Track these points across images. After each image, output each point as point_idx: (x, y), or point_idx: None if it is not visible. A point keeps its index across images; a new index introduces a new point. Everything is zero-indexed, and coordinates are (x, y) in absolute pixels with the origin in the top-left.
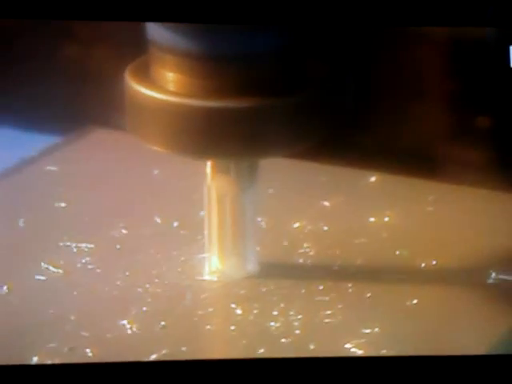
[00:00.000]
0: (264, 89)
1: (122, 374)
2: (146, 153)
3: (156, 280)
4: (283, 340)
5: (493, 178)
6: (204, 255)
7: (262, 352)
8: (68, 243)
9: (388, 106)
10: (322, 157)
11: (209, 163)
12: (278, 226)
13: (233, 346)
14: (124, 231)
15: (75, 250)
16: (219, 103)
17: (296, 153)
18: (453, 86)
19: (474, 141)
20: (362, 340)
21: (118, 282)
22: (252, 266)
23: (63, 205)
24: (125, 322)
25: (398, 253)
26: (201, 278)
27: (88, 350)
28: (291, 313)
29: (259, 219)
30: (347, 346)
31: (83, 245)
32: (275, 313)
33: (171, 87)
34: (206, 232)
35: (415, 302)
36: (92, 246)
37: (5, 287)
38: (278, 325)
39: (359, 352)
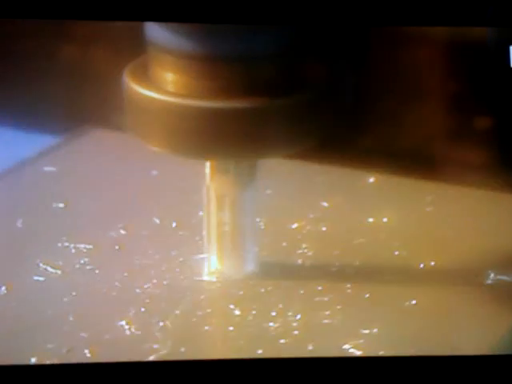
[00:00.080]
0: (263, 89)
1: (120, 374)
2: (145, 153)
3: (154, 280)
4: (282, 341)
5: (491, 178)
6: (202, 256)
7: (260, 353)
8: (66, 244)
9: (387, 106)
10: (320, 157)
11: (208, 163)
12: (276, 226)
13: (231, 347)
14: (123, 232)
15: (74, 250)
16: (218, 104)
17: (295, 153)
18: (453, 86)
19: (472, 141)
20: (361, 340)
21: (117, 283)
22: (251, 266)
23: (61, 205)
24: (123, 322)
25: (396, 253)
26: (199, 279)
27: (86, 351)
28: (290, 313)
29: (257, 220)
30: (346, 346)
31: (82, 245)
32: (274, 313)
33: (170, 88)
34: (205, 232)
35: (414, 302)
36: (90, 246)
37: (3, 288)
38: (276, 325)
39: (358, 352)
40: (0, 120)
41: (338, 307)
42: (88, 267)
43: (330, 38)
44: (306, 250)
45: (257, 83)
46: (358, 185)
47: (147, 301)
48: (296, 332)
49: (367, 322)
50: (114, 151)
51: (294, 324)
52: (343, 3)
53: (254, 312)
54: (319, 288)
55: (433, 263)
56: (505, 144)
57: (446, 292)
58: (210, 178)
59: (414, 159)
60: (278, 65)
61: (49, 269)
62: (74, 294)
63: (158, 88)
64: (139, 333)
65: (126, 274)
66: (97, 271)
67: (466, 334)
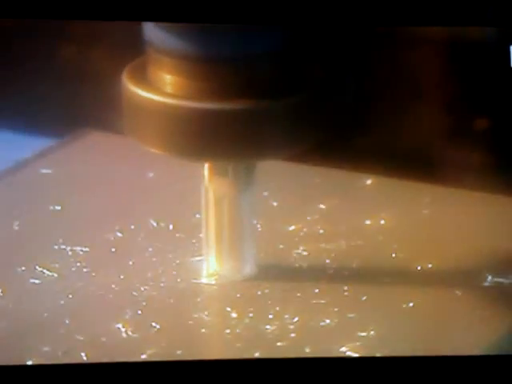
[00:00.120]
0: (261, 91)
1: (116, 375)
2: (142, 155)
3: (151, 283)
4: (279, 343)
5: (489, 180)
6: (199, 258)
7: (257, 355)
8: (63, 246)
9: (385, 107)
10: (317, 159)
11: (206, 165)
12: (273, 228)
13: (228, 350)
14: (119, 234)
15: (70, 253)
16: (217, 105)
17: (292, 155)
18: (452, 86)
19: (470, 143)
20: (358, 343)
21: (113, 286)
22: (250, 268)
23: (58, 208)
24: (120, 325)
25: (393, 255)
26: (196, 281)
27: (83, 354)
28: (286, 316)
29: (254, 222)
30: (343, 349)
31: (78, 248)
32: (271, 316)
33: (168, 89)
34: (203, 234)
35: (411, 304)
36: (87, 249)
37: None
38: (273, 328)
39: (355, 355)
40: None
41: (335, 310)
42: (84, 270)
43: (328, 39)
44: (303, 253)
45: (255, 84)
46: (356, 187)
47: (144, 303)
48: (293, 335)
49: (364, 325)
50: (110, 153)
51: (291, 327)
52: (342, 3)
53: (250, 315)
54: (316, 290)
55: (430, 265)
56: (503, 145)
57: (443, 294)
58: (208, 180)
59: (411, 161)
60: (276, 66)
61: (45, 271)
62: (70, 296)
63: (156, 89)
64: (136, 335)
65: (122, 277)
66: (93, 274)
67: (463, 336)
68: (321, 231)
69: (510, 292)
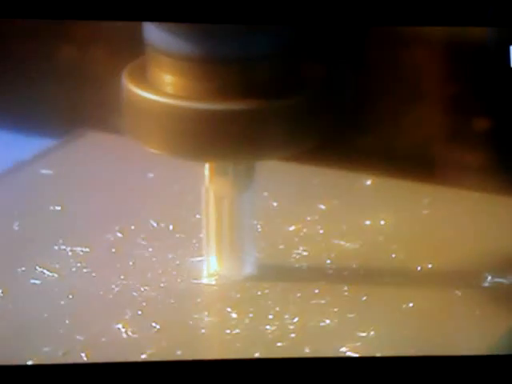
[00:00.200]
0: (261, 91)
1: (115, 375)
2: (141, 156)
3: (151, 283)
4: (279, 344)
5: (489, 180)
6: (199, 258)
7: (257, 356)
8: (63, 247)
9: (385, 108)
10: (317, 160)
11: (207, 165)
12: (273, 229)
13: (228, 350)
14: (119, 235)
15: (70, 253)
16: (217, 105)
17: (292, 155)
18: (452, 86)
19: (470, 143)
20: (358, 343)
21: (113, 286)
22: (250, 268)
23: (58, 208)
24: (120, 325)
25: (393, 256)
26: (196, 282)
27: (83, 354)
28: (286, 316)
29: (254, 222)
30: (343, 349)
31: (78, 248)
32: (271, 316)
33: (168, 89)
34: (203, 234)
35: (411, 305)
36: (87, 249)
37: (0, 291)
38: (273, 328)
39: (355, 355)
40: None
41: (335, 310)
42: (84, 270)
43: (328, 39)
44: (303, 253)
45: (255, 85)
46: (355, 187)
47: (144, 304)
48: (293, 335)
49: (364, 325)
50: (110, 154)
51: (291, 327)
52: (342, 3)
53: (250, 315)
54: (316, 291)
55: (430, 266)
56: (503, 146)
57: (443, 294)
58: (209, 180)
59: (411, 161)
60: (275, 66)
61: (45, 272)
62: (70, 297)
63: (156, 90)
64: (136, 336)
65: (122, 277)
66: (93, 274)
67: (463, 336)
68: (321, 231)
69: (510, 292)
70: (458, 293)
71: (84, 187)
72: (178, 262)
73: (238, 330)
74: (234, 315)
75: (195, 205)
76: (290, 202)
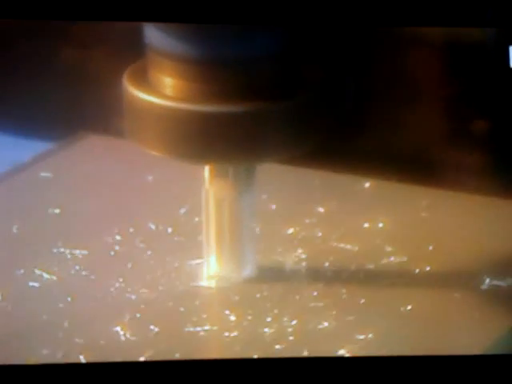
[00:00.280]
0: (261, 93)
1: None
2: (140, 159)
3: (150, 286)
4: (277, 346)
5: (487, 183)
6: (198, 261)
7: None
8: (62, 249)
9: (384, 110)
10: (316, 162)
11: (207, 167)
12: (272, 231)
13: (226, 352)
14: (118, 237)
15: (69, 256)
16: (217, 108)
17: (290, 158)
18: (452, 87)
19: (469, 145)
20: (356, 346)
21: (112, 289)
22: (249, 270)
23: (57, 211)
24: (118, 328)
25: (392, 258)
26: (195, 284)
27: (81, 356)
28: (285, 319)
29: (254, 224)
30: (341, 351)
31: (77, 251)
32: (269, 319)
33: (169, 91)
34: (203, 236)
35: (409, 307)
36: (86, 252)
37: None
38: (271, 331)
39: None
40: None
41: (334, 312)
42: (83, 273)
43: (327, 40)
44: (301, 255)
45: (255, 87)
46: (354, 190)
47: (142, 306)
48: (291, 337)
49: (362, 328)
50: (109, 157)
51: (290, 329)
52: (342, 4)
53: (249, 317)
54: (314, 293)
55: (428, 268)
56: (502, 148)
57: (441, 297)
58: (209, 182)
59: (409, 164)
60: (276, 68)
61: (44, 274)
62: (69, 299)
63: (157, 92)
64: (134, 338)
65: (121, 280)
66: (92, 277)
67: (460, 339)
68: (319, 234)
69: (508, 295)
70: (456, 295)
71: (83, 190)
72: (176, 265)
73: (236, 333)
74: (233, 318)
75: (194, 208)
76: (288, 204)
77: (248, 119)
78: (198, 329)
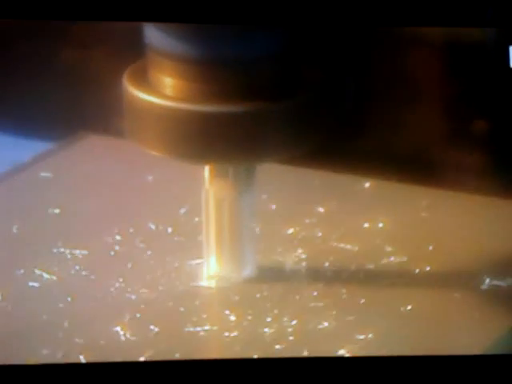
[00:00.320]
0: (261, 93)
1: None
2: (140, 159)
3: (150, 286)
4: (277, 346)
5: (487, 183)
6: (198, 261)
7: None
8: (62, 249)
9: (384, 110)
10: (316, 162)
11: (207, 167)
12: (272, 231)
13: (226, 352)
14: (118, 237)
15: (69, 256)
16: (217, 108)
17: (290, 158)
18: (452, 87)
19: (469, 146)
20: (356, 346)
21: (112, 289)
22: (250, 270)
23: (57, 211)
24: (118, 328)
25: (392, 258)
26: (195, 284)
27: (81, 357)
28: (285, 319)
29: (253, 224)
30: (341, 351)
31: (77, 251)
32: (269, 319)
33: (169, 92)
34: (200, 237)
35: (409, 307)
36: (86, 252)
37: None
38: (271, 331)
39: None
40: None
41: (334, 312)
42: (83, 273)
43: (327, 40)
44: (301, 255)
45: (255, 87)
46: (354, 190)
47: (142, 306)
48: (291, 337)
49: (362, 328)
50: (109, 157)
51: (290, 329)
52: (341, 4)
53: (249, 317)
54: (314, 293)
55: (428, 268)
56: (502, 148)
57: (441, 297)
58: (209, 182)
59: (409, 164)
60: (275, 68)
61: (44, 274)
62: (69, 299)
63: (157, 92)
64: (134, 338)
65: (121, 280)
66: (92, 277)
67: (460, 339)
68: (319, 234)
69: (508, 295)
70: (456, 295)
71: (83, 190)
72: (176, 265)
73: (236, 333)
74: (233, 318)
75: (194, 208)
76: (288, 204)
77: (248, 119)
78: (198, 329)
